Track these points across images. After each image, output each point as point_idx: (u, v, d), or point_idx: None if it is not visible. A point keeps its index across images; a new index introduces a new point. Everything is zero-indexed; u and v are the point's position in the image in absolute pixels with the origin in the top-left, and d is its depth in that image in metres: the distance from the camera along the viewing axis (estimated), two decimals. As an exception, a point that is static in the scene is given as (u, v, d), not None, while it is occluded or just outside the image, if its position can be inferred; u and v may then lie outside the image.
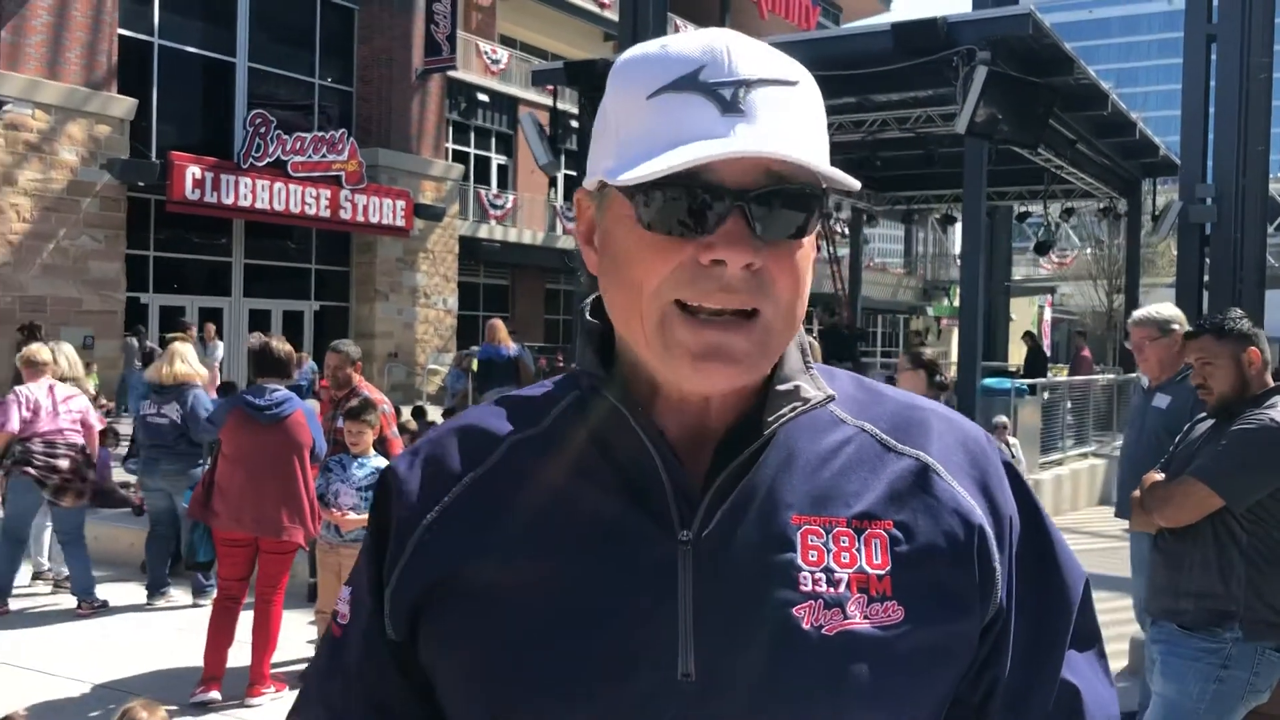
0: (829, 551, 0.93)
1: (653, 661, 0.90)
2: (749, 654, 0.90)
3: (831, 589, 0.92)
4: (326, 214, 21.30)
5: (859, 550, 0.93)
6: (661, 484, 0.93)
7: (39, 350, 7.40)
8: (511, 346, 12.38)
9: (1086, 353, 19.50)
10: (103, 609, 7.11)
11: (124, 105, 18.76)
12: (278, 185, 20.35)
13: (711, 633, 0.90)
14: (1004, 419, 12.02)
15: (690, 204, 0.87)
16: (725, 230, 0.86)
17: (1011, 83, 11.38)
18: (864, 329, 24.94)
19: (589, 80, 14.89)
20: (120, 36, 18.99)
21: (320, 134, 21.40)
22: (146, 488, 7.46)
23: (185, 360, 7.38)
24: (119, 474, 10.08)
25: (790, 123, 0.88)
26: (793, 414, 0.96)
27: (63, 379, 7.45)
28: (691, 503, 0.92)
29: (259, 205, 20.17)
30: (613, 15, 25.54)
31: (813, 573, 0.92)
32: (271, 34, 22.23)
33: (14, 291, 17.26)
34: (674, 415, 0.96)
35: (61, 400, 7.20)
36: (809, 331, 19.75)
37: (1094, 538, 9.97)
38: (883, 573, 0.93)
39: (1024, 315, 35.14)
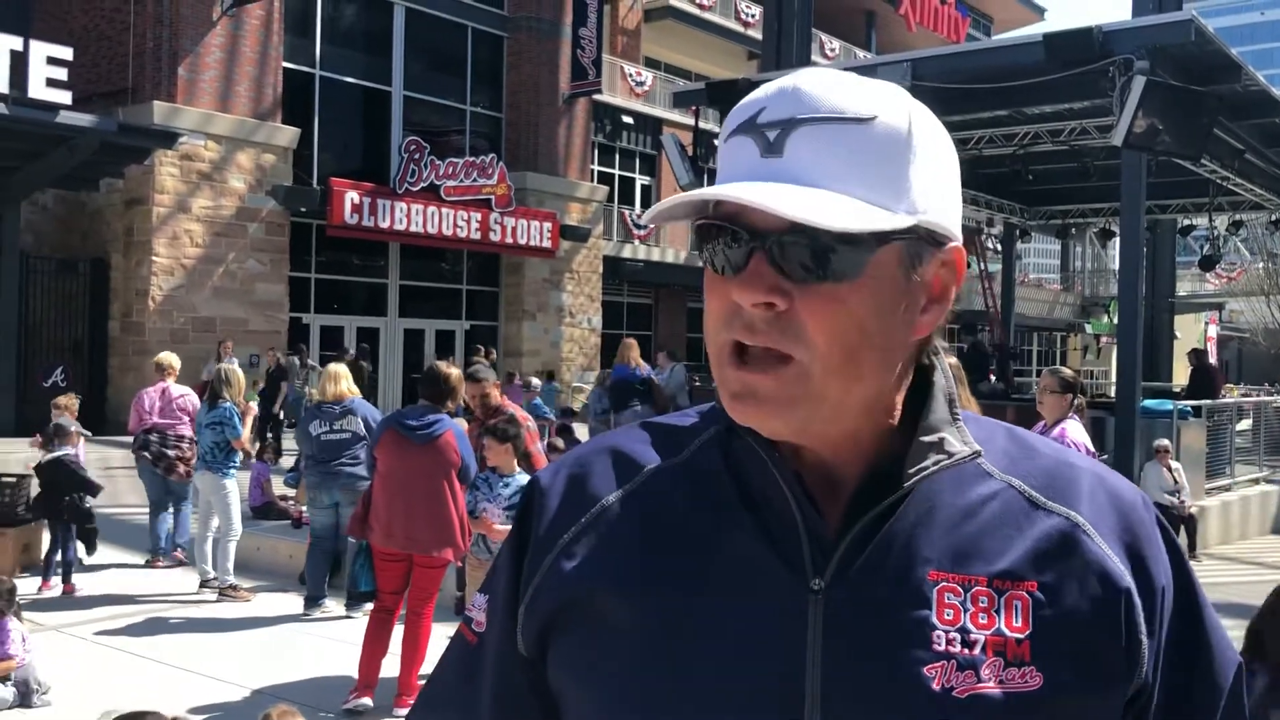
0: (966, 611, 0.90)
1: (777, 712, 0.88)
2: (875, 711, 0.87)
3: (966, 650, 0.88)
4: (477, 236, 21.87)
5: (998, 611, 0.90)
6: (796, 529, 0.91)
7: (165, 357, 9.33)
8: (644, 367, 12.44)
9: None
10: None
11: (288, 135, 19.66)
12: (431, 209, 21.00)
13: (838, 686, 0.88)
14: (1165, 442, 11.51)
15: (725, 245, 0.88)
16: (748, 270, 0.87)
17: (1172, 92, 10.92)
18: (1016, 347, 24.16)
19: (730, 100, 14.92)
20: (285, 69, 19.93)
21: (471, 159, 22.00)
22: (316, 503, 7.72)
23: (346, 378, 7.72)
24: (278, 487, 10.56)
25: (826, 166, 0.85)
26: (935, 468, 0.92)
27: (215, 397, 8.11)
28: (825, 551, 0.91)
29: (413, 228, 20.84)
30: (757, 34, 25.55)
31: (947, 632, 0.89)
32: (425, 63, 22.99)
33: (187, 313, 18.24)
34: (810, 457, 0.94)
35: (176, 398, 8.96)
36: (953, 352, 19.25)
37: (1265, 569, 9.41)
38: (1022, 636, 0.89)
39: (1190, 333, 33.56)
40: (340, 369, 7.90)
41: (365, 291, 22.42)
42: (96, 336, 18.34)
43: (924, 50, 15.10)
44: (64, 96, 15.12)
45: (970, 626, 0.89)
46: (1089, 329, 42.20)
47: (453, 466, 5.75)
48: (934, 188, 0.90)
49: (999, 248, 22.85)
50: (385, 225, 20.38)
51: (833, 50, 33.39)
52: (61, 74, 15.11)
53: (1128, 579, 0.93)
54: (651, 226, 24.97)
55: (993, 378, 16.08)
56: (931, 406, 0.95)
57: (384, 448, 5.76)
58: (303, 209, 19.67)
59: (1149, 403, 12.30)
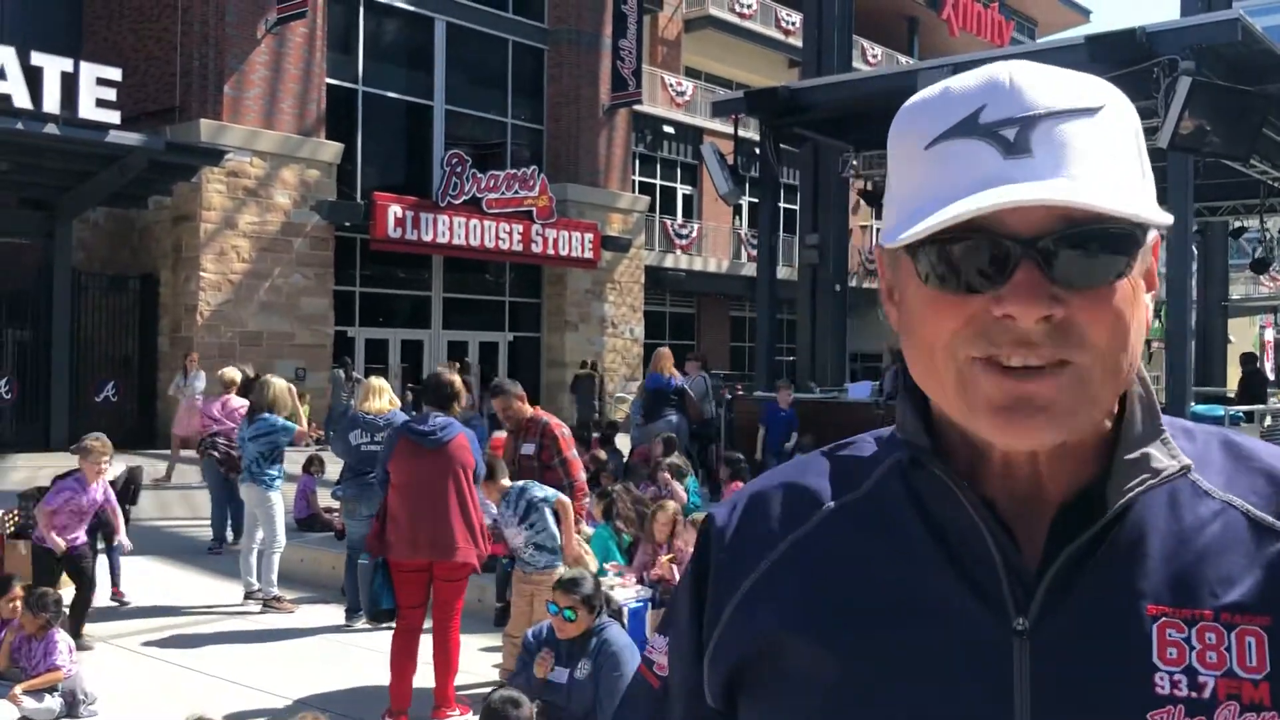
0: (1191, 649, 0.81)
1: None
2: None
3: (1195, 693, 0.80)
4: (519, 248, 21.98)
5: (1229, 649, 0.81)
6: (993, 563, 0.85)
7: (228, 372, 11.01)
8: (678, 376, 12.39)
9: None
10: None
11: (332, 150, 19.88)
12: (473, 222, 21.14)
13: None
14: (1217, 448, 11.30)
15: (975, 257, 0.80)
16: (1015, 282, 0.79)
17: (1219, 92, 10.77)
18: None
19: (769, 108, 14.91)
20: (328, 85, 20.16)
21: (512, 171, 22.13)
22: (354, 514, 7.76)
23: (385, 392, 7.77)
24: (324, 499, 10.65)
25: (1085, 157, 0.79)
26: (1143, 488, 0.85)
27: (255, 410, 8.31)
28: (1027, 586, 0.84)
29: (456, 241, 20.98)
30: (797, 42, 25.50)
31: (1171, 674, 0.81)
32: (466, 77, 23.17)
33: (234, 327, 18.48)
34: (1001, 484, 0.88)
35: (236, 409, 10.15)
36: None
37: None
38: (1259, 677, 0.80)
39: (1244, 336, 32.96)
40: (383, 383, 7.94)
41: (409, 304, 22.60)
42: (146, 351, 18.62)
43: (964, 54, 14.98)
44: (113, 116, 15.38)
45: (1198, 666, 0.81)
46: (1140, 334, 41.60)
47: (467, 468, 5.77)
48: (1149, 174, 0.87)
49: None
50: (428, 238, 20.54)
51: (874, 57, 33.24)
52: (111, 94, 15.38)
53: None
54: (693, 236, 24.78)
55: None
56: (1132, 419, 0.88)
57: (399, 458, 5.75)
58: (347, 223, 19.87)
59: (1199, 408, 12.09)
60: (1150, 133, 12.33)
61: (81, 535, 7.08)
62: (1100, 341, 0.81)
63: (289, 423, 8.28)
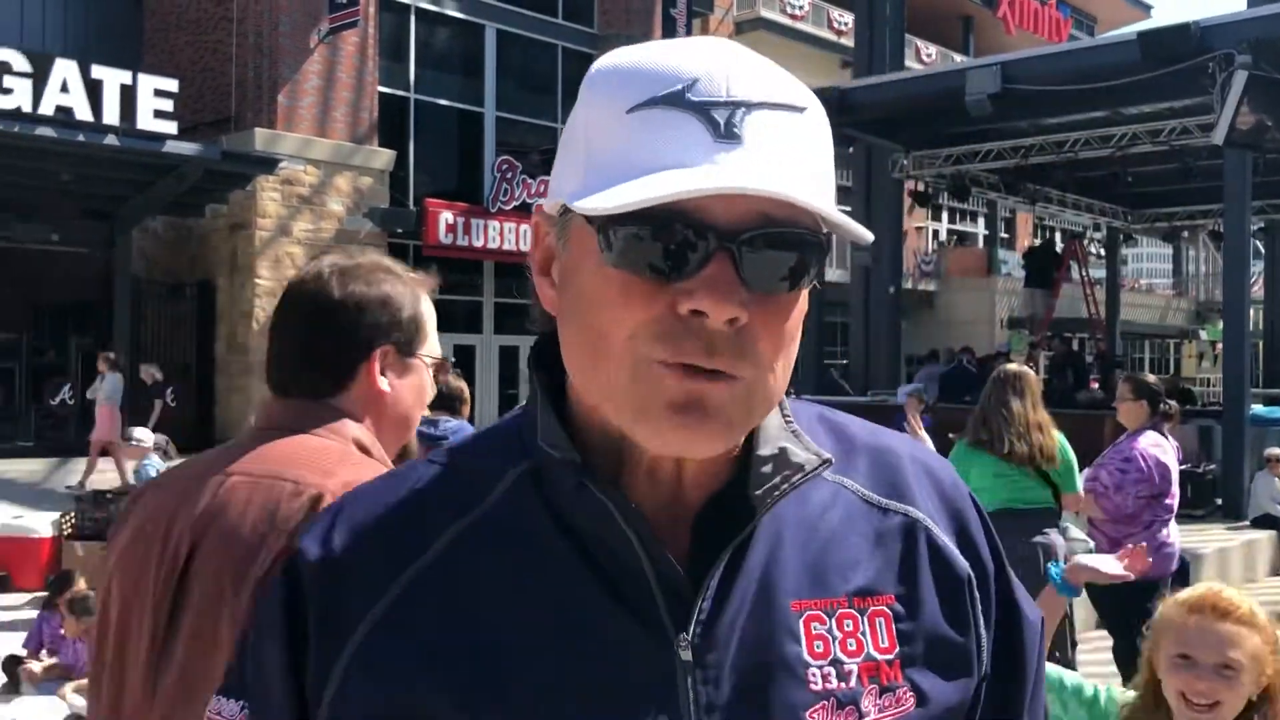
0: (834, 640, 0.82)
1: None
2: None
3: (843, 684, 0.81)
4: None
5: (864, 634, 0.83)
6: (648, 583, 0.80)
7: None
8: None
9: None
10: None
11: (384, 157, 20.10)
12: (523, 227, 21.25)
13: None
14: (1277, 450, 11.03)
15: (669, 242, 0.73)
16: (708, 275, 0.73)
17: (1277, 87, 10.51)
18: (1124, 355, 23.45)
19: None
20: (380, 93, 20.39)
21: (563, 176, 22.23)
22: None
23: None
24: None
25: (794, 157, 0.76)
26: (788, 487, 0.83)
27: None
28: (683, 600, 0.80)
29: (506, 246, 21.13)
30: (849, 42, 25.33)
31: (821, 667, 0.81)
32: (516, 83, 23.31)
33: (289, 333, 18.74)
34: (644, 488, 0.82)
35: None
36: (1033, 361, 18.68)
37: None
38: (891, 657, 0.84)
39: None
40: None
41: (461, 309, 22.77)
42: (204, 357, 18.96)
43: (1015, 52, 14.78)
44: (170, 126, 15.71)
45: (841, 656, 0.82)
46: (1204, 335, 40.62)
47: None
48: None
49: (1102, 252, 22.23)
50: (479, 244, 20.70)
51: (929, 56, 32.91)
52: (168, 105, 15.70)
53: (967, 567, 0.90)
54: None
55: (1095, 385, 15.61)
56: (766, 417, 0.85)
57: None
58: (399, 230, 20.08)
59: (1259, 410, 11.82)
60: (1207, 129, 12.07)
61: None
62: (768, 354, 0.77)
63: None
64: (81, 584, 6.03)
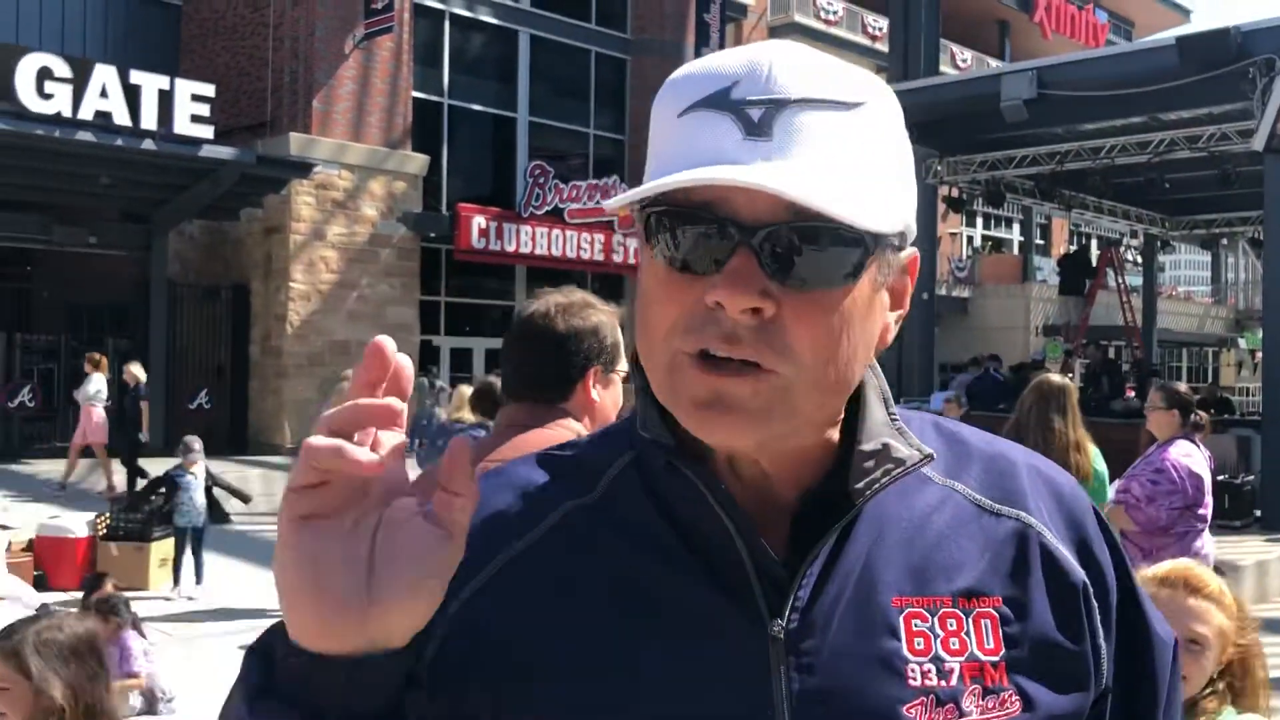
0: (936, 637, 0.83)
1: None
2: None
3: (943, 682, 0.81)
4: (600, 257, 22.10)
5: (968, 634, 0.83)
6: (743, 566, 0.82)
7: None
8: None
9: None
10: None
11: (417, 162, 20.22)
12: (555, 232, 21.31)
13: None
14: (1317, 462, 10.85)
15: (698, 238, 0.76)
16: (729, 269, 0.75)
17: (1319, 92, 10.36)
18: (1160, 363, 23.18)
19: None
20: (414, 99, 20.51)
21: (594, 181, 22.26)
22: None
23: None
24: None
25: (827, 153, 0.75)
26: (889, 479, 0.84)
27: None
28: (779, 587, 0.81)
29: (538, 251, 21.19)
30: (884, 47, 25.23)
31: (921, 664, 0.82)
32: (549, 88, 23.38)
33: (324, 336, 18.88)
34: (731, 480, 0.84)
35: None
36: (1069, 369, 18.50)
37: None
38: (996, 659, 0.83)
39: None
40: (468, 390, 8.00)
41: (493, 313, 22.85)
42: (238, 360, 19.13)
43: (1051, 57, 14.66)
44: (206, 131, 15.87)
45: (943, 654, 0.82)
46: (1243, 343, 40.13)
47: None
48: (911, 186, 0.84)
49: (1139, 260, 22.00)
50: (511, 249, 20.77)
51: (964, 61, 32.73)
52: (204, 110, 15.87)
53: (1082, 575, 0.89)
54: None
55: (1131, 394, 15.43)
56: (868, 411, 0.86)
57: None
58: (432, 234, 20.18)
59: (1300, 421, 11.61)
60: (1247, 135, 11.92)
61: None
62: (803, 351, 0.77)
63: None
64: (109, 586, 6.07)
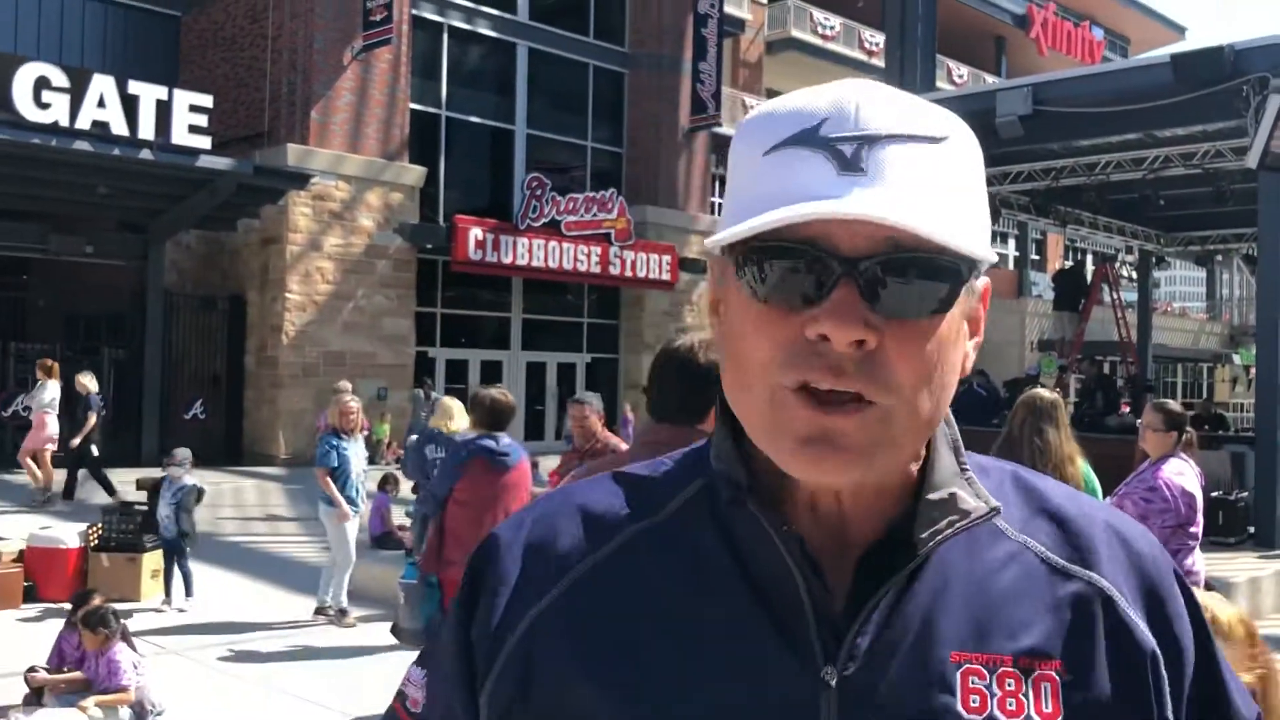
0: (993, 696, 0.81)
1: None
2: None
3: None
4: (597, 270, 22.12)
5: (1026, 696, 0.82)
6: (803, 608, 0.81)
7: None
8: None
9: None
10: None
11: (415, 174, 20.25)
12: (552, 244, 21.33)
13: None
14: (1311, 479, 10.85)
15: (797, 273, 0.78)
16: (833, 301, 0.76)
17: (1313, 110, 10.39)
18: (1152, 380, 23.19)
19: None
20: (412, 110, 20.56)
21: (591, 194, 22.30)
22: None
23: (462, 415, 7.79)
24: (398, 517, 10.80)
25: (921, 185, 0.78)
26: (953, 531, 0.84)
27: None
28: (836, 632, 0.81)
29: (535, 263, 21.20)
30: (880, 62, 25.30)
31: None
32: (547, 101, 23.44)
33: (319, 347, 18.88)
34: (807, 520, 0.85)
35: None
36: (1063, 384, 18.47)
37: None
38: None
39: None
40: (456, 405, 7.94)
41: (489, 325, 22.86)
42: (234, 370, 19.12)
43: (1046, 73, 14.71)
44: (204, 141, 15.89)
45: (998, 714, 0.81)
46: (1238, 360, 40.19)
47: (528, 489, 5.89)
48: (988, 216, 0.85)
49: (1134, 275, 22.04)
50: (508, 260, 20.78)
51: (960, 77, 32.84)
52: (202, 120, 15.89)
53: (1153, 643, 0.86)
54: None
55: (1126, 409, 15.44)
56: (937, 458, 0.87)
57: (472, 476, 5.80)
58: (429, 245, 20.20)
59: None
60: (1241, 153, 11.95)
61: None
62: (906, 381, 0.78)
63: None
64: (96, 599, 6.06)
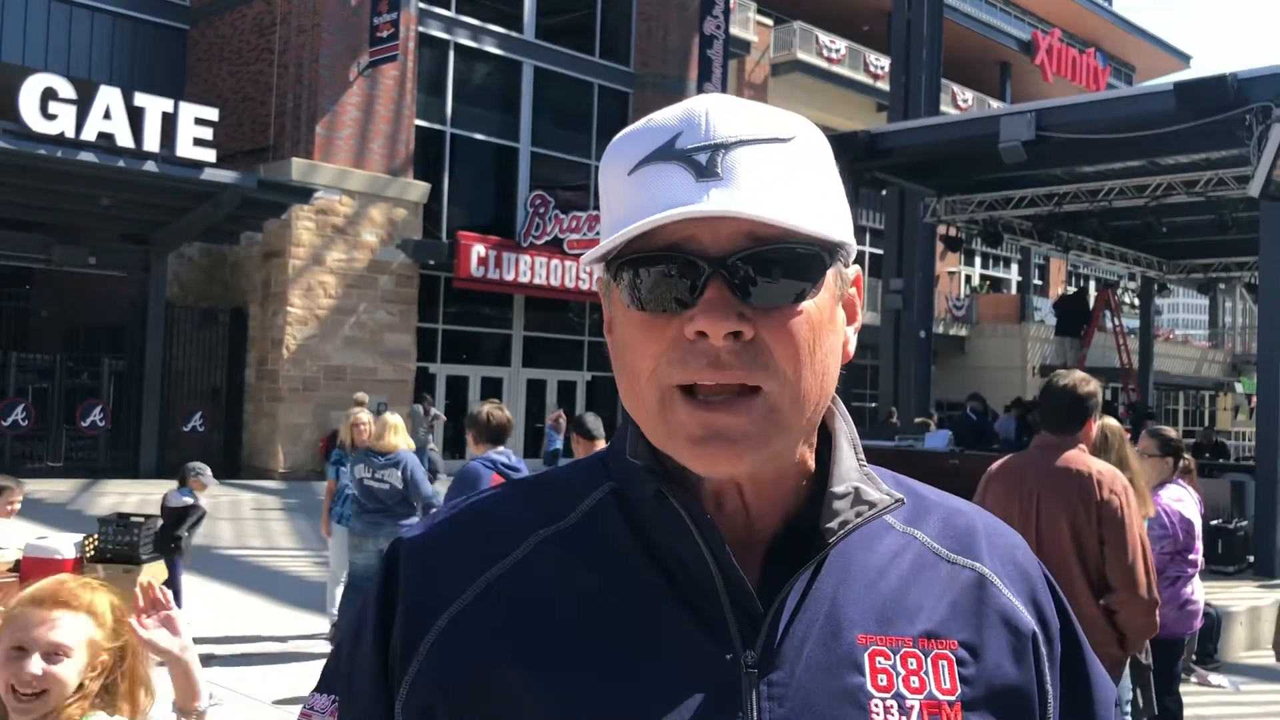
0: (898, 675, 0.87)
1: None
2: None
3: (904, 718, 0.85)
4: (598, 288, 22.09)
5: (928, 674, 0.87)
6: (718, 596, 0.85)
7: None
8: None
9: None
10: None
11: (419, 190, 20.29)
12: (554, 262, 21.35)
13: None
14: (1311, 509, 10.81)
15: (670, 276, 0.82)
16: (705, 299, 0.80)
17: (1315, 140, 10.40)
18: (1153, 407, 23.17)
19: (850, 152, 14.82)
20: (416, 127, 20.61)
21: (594, 212, 22.32)
22: (362, 548, 7.59)
23: (400, 431, 7.67)
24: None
25: (773, 180, 0.82)
26: (862, 521, 0.89)
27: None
28: (752, 618, 0.85)
29: (537, 281, 21.22)
30: (885, 85, 25.39)
31: (884, 699, 0.85)
32: (552, 120, 23.52)
33: (320, 361, 18.88)
34: (714, 514, 0.87)
35: None
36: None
37: None
38: (952, 698, 0.87)
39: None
40: (398, 421, 7.78)
41: (490, 342, 22.86)
42: (234, 383, 19.11)
43: (1049, 100, 14.75)
44: (209, 154, 15.93)
45: (904, 691, 0.86)
46: (1240, 388, 40.17)
47: None
48: (846, 207, 0.90)
49: (1136, 302, 22.04)
50: (510, 278, 20.80)
51: (965, 101, 32.94)
52: (207, 133, 15.94)
53: (1032, 624, 0.94)
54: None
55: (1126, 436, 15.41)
56: (840, 453, 0.91)
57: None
58: (431, 261, 20.22)
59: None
60: (1243, 181, 11.97)
61: None
62: (786, 365, 0.82)
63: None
64: None
